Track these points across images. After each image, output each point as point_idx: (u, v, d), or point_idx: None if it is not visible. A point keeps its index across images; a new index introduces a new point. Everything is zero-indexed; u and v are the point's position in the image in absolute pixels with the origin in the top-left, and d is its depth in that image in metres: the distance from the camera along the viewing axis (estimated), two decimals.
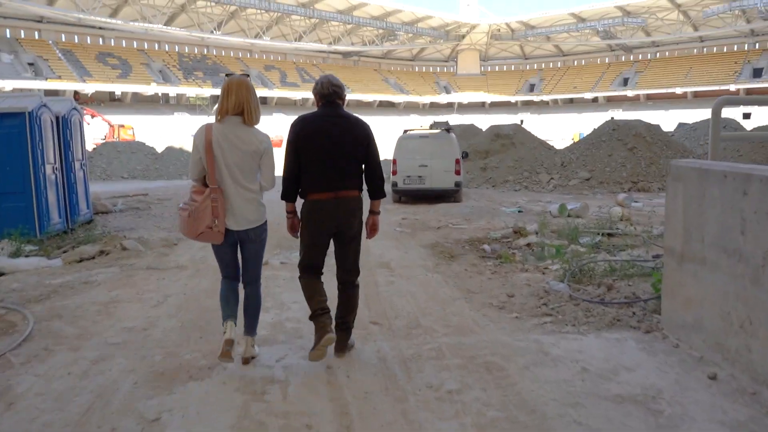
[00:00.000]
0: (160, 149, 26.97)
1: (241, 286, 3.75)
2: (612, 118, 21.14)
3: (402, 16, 75.14)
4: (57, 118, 8.56)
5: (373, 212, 3.81)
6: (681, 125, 29.42)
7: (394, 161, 13.54)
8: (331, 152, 3.56)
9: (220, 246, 3.56)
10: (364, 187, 3.75)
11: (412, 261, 6.69)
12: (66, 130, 8.77)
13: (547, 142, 21.46)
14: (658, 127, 19.26)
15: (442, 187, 13.36)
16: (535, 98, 79.37)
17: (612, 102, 73.04)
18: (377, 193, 3.75)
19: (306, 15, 66.88)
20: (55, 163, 8.40)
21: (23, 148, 7.67)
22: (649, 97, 69.97)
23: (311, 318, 3.62)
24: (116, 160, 24.95)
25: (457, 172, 13.34)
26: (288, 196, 3.70)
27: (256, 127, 3.56)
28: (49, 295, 5.18)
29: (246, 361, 3.63)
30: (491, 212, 11.54)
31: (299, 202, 3.72)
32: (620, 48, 78.67)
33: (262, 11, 64.23)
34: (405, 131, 14.15)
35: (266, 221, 3.68)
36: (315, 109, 3.76)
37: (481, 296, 5.08)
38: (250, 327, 3.72)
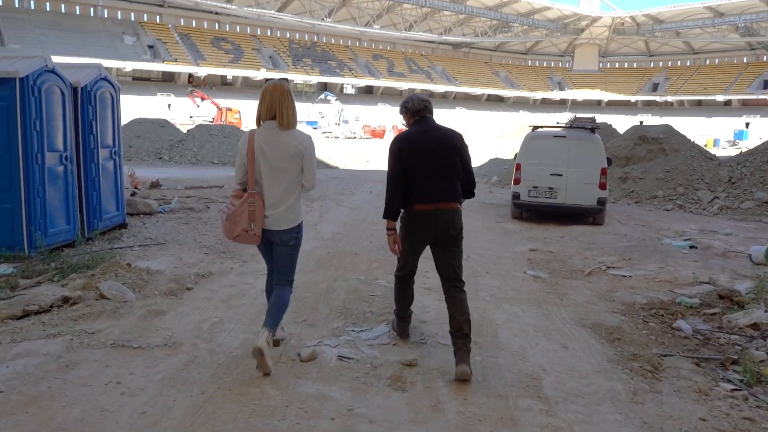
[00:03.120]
0: None
1: None
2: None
3: (518, 6, 70.47)
4: (75, 89, 6.34)
5: None
6: None
7: (518, 166, 10.42)
8: (431, 165, 3.63)
9: (259, 245, 3.59)
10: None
11: (582, 375, 3.64)
12: (88, 106, 6.49)
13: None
14: None
15: (580, 204, 10.09)
16: (658, 98, 72.17)
17: (748, 106, 64.81)
18: (467, 195, 3.83)
19: (418, 4, 64.27)
20: (65, 150, 6.15)
21: (11, 129, 5.47)
22: None
23: (397, 315, 4.02)
24: (208, 144, 23.77)
25: (602, 186, 10.02)
26: (391, 213, 3.73)
27: (298, 128, 3.53)
28: None
29: (263, 359, 3.35)
30: (655, 247, 8.21)
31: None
32: (762, 46, 69.20)
33: None
34: (533, 128, 10.97)
35: (301, 224, 3.61)
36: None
37: None
38: (270, 322, 3.49)
